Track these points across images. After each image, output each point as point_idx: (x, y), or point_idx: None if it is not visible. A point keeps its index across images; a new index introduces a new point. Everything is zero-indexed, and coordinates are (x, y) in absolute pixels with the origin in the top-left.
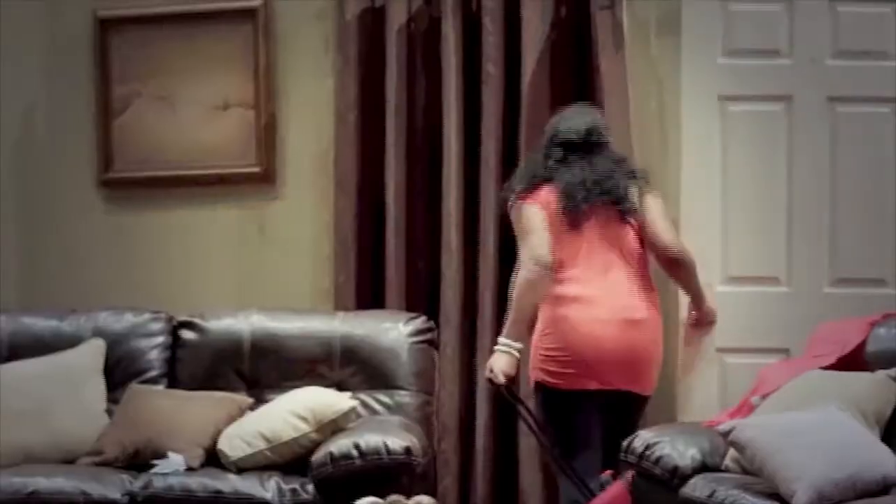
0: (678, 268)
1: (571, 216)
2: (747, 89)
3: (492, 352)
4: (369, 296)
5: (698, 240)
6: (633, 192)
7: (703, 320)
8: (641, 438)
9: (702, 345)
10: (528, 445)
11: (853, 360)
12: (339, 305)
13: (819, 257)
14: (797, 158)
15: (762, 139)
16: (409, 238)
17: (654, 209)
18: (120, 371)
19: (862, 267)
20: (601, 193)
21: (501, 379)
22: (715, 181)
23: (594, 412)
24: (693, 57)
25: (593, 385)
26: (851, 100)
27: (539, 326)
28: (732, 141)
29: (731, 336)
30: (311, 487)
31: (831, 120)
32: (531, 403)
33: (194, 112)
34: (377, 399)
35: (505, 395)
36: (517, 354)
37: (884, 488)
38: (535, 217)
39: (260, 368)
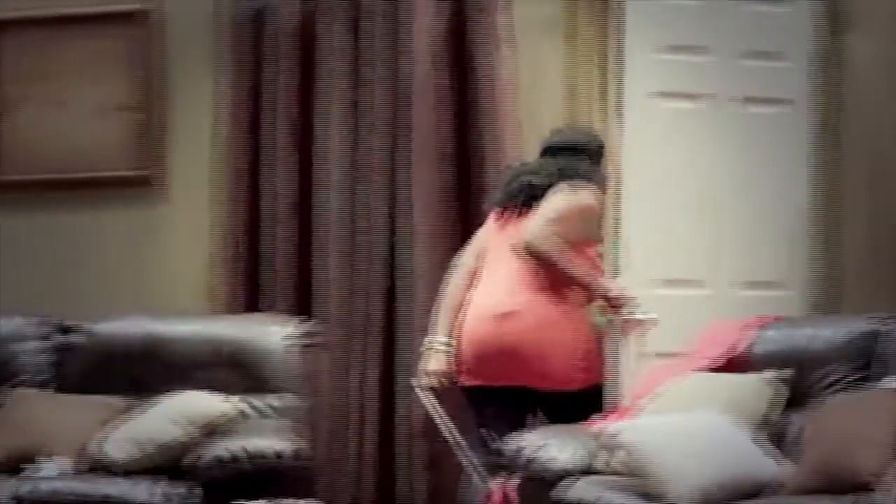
0: (534, 261)
1: (496, 217)
2: (678, 87)
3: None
4: (255, 298)
5: (637, 243)
6: (540, 189)
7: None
8: (525, 441)
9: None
10: (416, 446)
11: (738, 362)
12: (226, 308)
13: (734, 259)
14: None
15: (688, 138)
16: (294, 240)
17: (544, 204)
18: (4, 375)
19: (768, 270)
20: (510, 194)
21: (427, 381)
22: (654, 180)
23: (502, 408)
24: (631, 53)
25: (480, 381)
26: (760, 100)
27: None
28: (666, 139)
29: (666, 341)
30: (197, 490)
31: (743, 120)
32: None
33: (83, 115)
34: (261, 402)
35: (428, 398)
36: (442, 349)
37: (760, 490)
38: (483, 228)
39: (145, 372)
